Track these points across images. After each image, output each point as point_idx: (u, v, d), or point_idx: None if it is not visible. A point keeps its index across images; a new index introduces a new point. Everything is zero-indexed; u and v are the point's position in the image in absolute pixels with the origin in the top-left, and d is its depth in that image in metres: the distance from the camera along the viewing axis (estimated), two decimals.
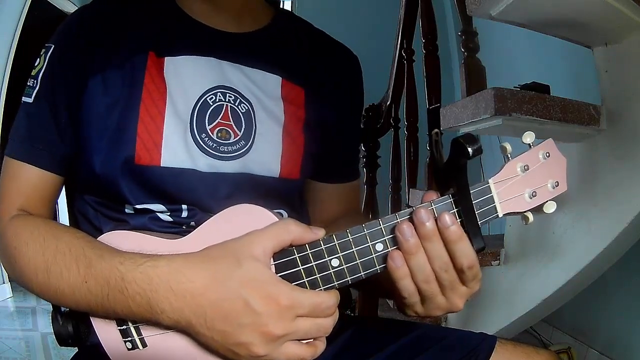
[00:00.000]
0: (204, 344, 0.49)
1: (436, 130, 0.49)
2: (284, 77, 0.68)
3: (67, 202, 0.70)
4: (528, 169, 0.48)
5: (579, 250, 1.18)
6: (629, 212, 1.05)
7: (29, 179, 0.60)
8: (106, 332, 0.53)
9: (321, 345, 0.49)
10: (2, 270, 3.07)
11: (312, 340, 0.49)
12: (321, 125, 0.70)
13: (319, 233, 0.49)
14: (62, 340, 0.67)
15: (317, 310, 0.47)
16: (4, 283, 3.07)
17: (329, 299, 0.47)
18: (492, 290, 1.47)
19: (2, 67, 2.96)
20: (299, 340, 0.48)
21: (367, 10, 3.50)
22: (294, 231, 0.48)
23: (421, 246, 0.46)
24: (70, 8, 3.50)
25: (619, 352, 1.68)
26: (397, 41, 1.85)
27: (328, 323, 0.48)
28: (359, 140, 0.80)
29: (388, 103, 1.93)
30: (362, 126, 2.02)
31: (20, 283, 0.56)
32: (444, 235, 0.46)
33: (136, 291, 0.47)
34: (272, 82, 0.67)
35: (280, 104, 0.66)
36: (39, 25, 3.27)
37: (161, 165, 0.58)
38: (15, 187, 0.60)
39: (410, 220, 0.47)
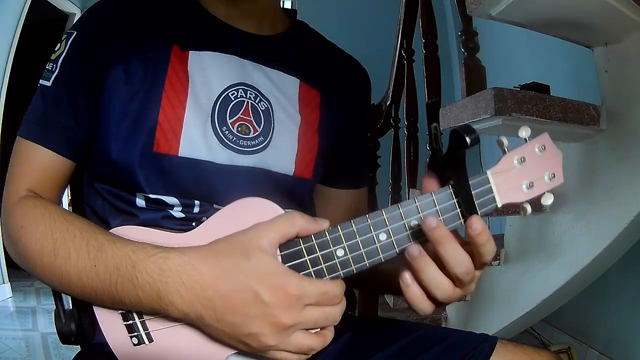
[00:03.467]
0: (214, 336, 0.50)
1: (435, 124, 0.50)
2: (301, 79, 0.69)
3: (73, 199, 0.70)
4: (525, 161, 0.49)
5: (579, 250, 1.18)
6: (629, 212, 1.06)
7: (41, 161, 0.60)
8: (111, 328, 0.54)
9: (329, 335, 0.50)
10: (2, 270, 3.07)
11: (319, 330, 0.50)
12: (334, 129, 0.72)
13: (324, 224, 0.49)
14: (65, 338, 0.66)
15: (325, 298, 0.48)
16: (4, 283, 3.07)
17: (335, 288, 0.48)
18: (492, 290, 1.48)
19: (2, 67, 2.97)
20: (308, 329, 0.49)
21: (367, 11, 3.50)
22: (299, 223, 0.49)
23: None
24: (71, 8, 3.50)
25: (619, 352, 1.68)
26: (397, 41, 1.85)
27: (336, 312, 0.49)
28: (367, 149, 0.81)
29: (388, 103, 1.93)
30: None
31: (22, 265, 0.56)
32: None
33: (146, 281, 0.48)
34: (290, 84, 0.68)
35: (297, 105, 0.68)
36: (39, 25, 3.28)
37: (179, 155, 0.59)
38: (26, 168, 0.59)
39: (415, 210, 0.48)
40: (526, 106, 1.06)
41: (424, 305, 0.48)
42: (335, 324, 0.50)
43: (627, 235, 1.09)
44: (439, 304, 0.49)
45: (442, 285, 0.47)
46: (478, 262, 0.48)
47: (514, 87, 1.22)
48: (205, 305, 0.47)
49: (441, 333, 0.67)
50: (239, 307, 0.46)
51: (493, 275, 1.47)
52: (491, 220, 2.66)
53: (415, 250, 0.46)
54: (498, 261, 1.44)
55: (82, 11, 3.48)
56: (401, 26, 1.83)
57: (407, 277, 0.48)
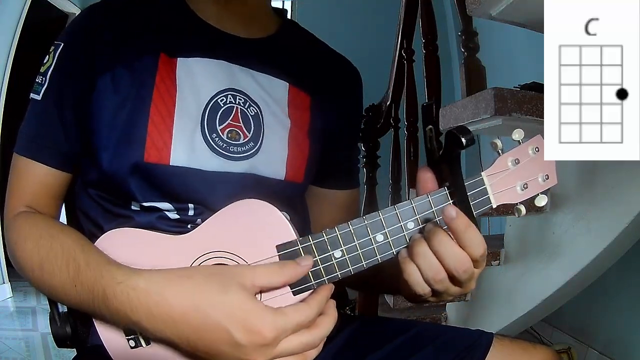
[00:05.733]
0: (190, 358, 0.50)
1: (430, 126, 0.51)
2: (290, 83, 0.69)
3: (66, 204, 0.70)
4: (519, 162, 0.50)
5: (579, 250, 1.18)
6: (629, 212, 1.05)
7: (36, 176, 0.60)
8: (108, 331, 0.53)
9: (312, 353, 0.49)
10: (2, 270, 3.07)
11: None
12: (325, 131, 0.71)
13: (309, 262, 0.49)
14: (60, 341, 0.67)
15: (301, 327, 0.48)
16: (4, 283, 3.07)
17: (311, 312, 0.48)
18: (492, 290, 1.47)
19: (2, 66, 2.97)
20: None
21: (367, 11, 3.50)
22: (288, 274, 0.48)
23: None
24: (71, 8, 3.50)
25: (619, 352, 1.68)
26: (397, 41, 1.85)
27: (315, 339, 0.48)
28: (358, 150, 0.82)
29: (388, 103, 1.93)
30: (362, 126, 2.03)
31: (21, 274, 0.58)
32: (452, 227, 0.47)
33: (117, 307, 0.48)
34: (279, 88, 0.68)
35: (287, 109, 0.67)
36: (39, 25, 3.27)
37: (170, 164, 0.58)
38: (23, 184, 0.61)
39: (412, 211, 0.49)
40: (526, 106, 1.06)
41: (419, 282, 0.48)
42: (316, 347, 0.49)
43: (627, 235, 1.09)
44: (435, 292, 0.49)
45: (433, 266, 0.47)
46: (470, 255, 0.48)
47: (514, 87, 1.22)
48: (177, 335, 0.47)
49: (438, 330, 0.67)
50: (211, 342, 0.46)
51: (493, 275, 1.47)
52: (491, 220, 2.66)
53: (414, 235, 0.49)
54: (498, 261, 1.44)
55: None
56: (401, 26, 1.83)
57: (404, 251, 0.49)
